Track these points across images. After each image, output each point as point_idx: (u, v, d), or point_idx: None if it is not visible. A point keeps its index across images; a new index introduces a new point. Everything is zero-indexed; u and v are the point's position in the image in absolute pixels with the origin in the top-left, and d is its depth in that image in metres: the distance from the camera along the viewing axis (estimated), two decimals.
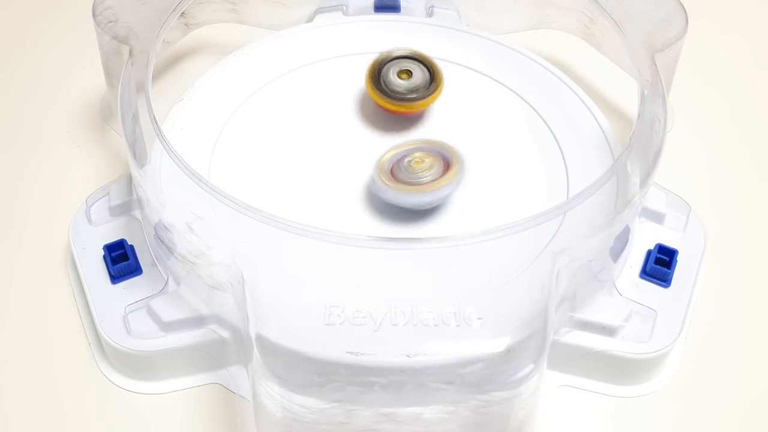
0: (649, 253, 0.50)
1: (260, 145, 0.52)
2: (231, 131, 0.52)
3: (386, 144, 0.52)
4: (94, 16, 0.52)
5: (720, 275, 0.52)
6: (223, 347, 0.46)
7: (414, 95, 0.52)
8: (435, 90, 0.52)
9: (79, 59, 0.62)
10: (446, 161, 0.48)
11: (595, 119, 0.54)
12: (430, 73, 0.53)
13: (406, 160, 0.48)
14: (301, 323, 0.41)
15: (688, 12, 0.52)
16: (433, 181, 0.48)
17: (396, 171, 0.48)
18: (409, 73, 0.52)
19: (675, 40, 0.51)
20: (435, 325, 0.41)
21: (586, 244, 0.44)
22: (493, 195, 0.50)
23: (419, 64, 0.53)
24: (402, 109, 0.52)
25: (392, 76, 0.52)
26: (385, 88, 0.52)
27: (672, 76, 0.53)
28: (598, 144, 0.52)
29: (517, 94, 0.55)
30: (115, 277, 0.48)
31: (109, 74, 0.54)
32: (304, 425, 0.41)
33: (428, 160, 0.48)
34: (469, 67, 0.57)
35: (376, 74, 0.52)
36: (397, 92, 0.52)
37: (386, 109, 0.52)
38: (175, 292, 0.47)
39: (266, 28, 0.61)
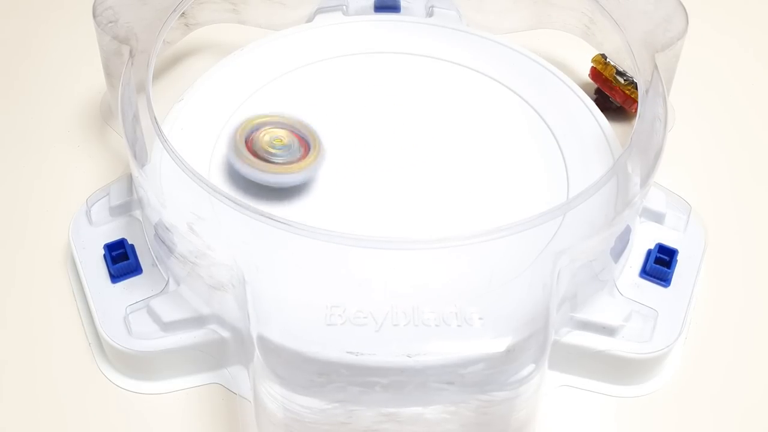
0: (649, 252, 0.50)
1: None
2: (231, 131, 0.52)
3: (386, 144, 0.52)
4: (94, 16, 0.52)
5: (720, 275, 0.52)
6: (224, 347, 0.46)
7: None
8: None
9: (80, 59, 0.62)
10: (306, 144, 0.49)
11: (595, 119, 0.54)
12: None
13: (268, 137, 0.49)
14: (302, 323, 0.41)
15: (688, 12, 0.52)
16: (286, 164, 0.48)
17: (253, 142, 0.49)
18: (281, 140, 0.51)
19: (675, 40, 0.51)
20: (436, 325, 0.41)
21: (587, 244, 0.44)
22: (493, 195, 0.50)
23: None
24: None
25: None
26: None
27: (672, 75, 0.53)
28: (598, 144, 0.52)
29: (517, 94, 0.55)
30: (116, 277, 0.48)
31: (110, 74, 0.54)
32: (306, 425, 0.41)
33: (287, 141, 0.49)
34: (469, 67, 0.57)
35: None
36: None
37: None
38: (176, 292, 0.47)
39: (266, 28, 0.61)
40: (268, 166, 0.49)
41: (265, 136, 0.49)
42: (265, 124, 0.50)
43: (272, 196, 0.49)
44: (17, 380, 0.47)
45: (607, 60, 0.57)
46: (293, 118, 0.51)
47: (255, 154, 0.49)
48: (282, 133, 0.50)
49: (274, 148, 0.49)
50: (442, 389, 0.40)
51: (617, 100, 0.57)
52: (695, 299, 0.49)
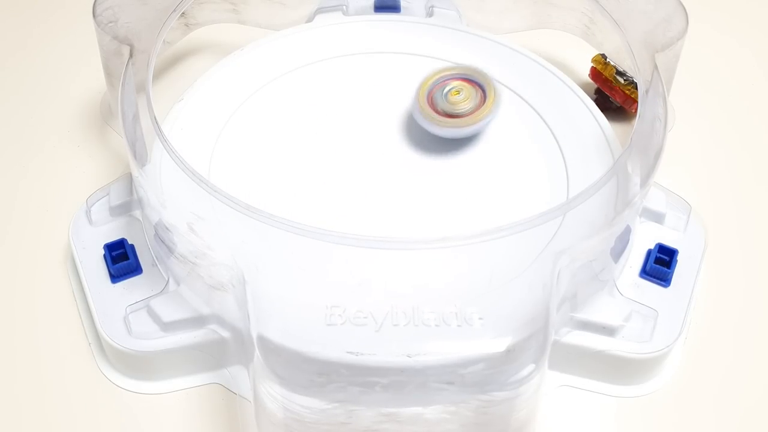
0: (649, 252, 0.50)
1: (260, 145, 0.52)
2: (231, 131, 0.52)
3: (386, 144, 0.52)
4: (94, 16, 0.52)
5: (720, 275, 0.52)
6: (224, 347, 0.46)
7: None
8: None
9: (79, 59, 0.62)
10: (482, 90, 0.51)
11: (595, 119, 0.54)
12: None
13: (445, 90, 0.51)
14: (302, 323, 0.41)
15: (688, 12, 0.52)
16: (471, 113, 0.51)
17: (434, 100, 0.51)
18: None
19: (675, 40, 0.51)
20: (436, 325, 0.41)
21: (587, 244, 0.44)
22: (493, 195, 0.50)
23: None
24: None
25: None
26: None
27: (672, 75, 0.53)
28: (598, 144, 0.52)
29: (517, 94, 0.55)
30: (116, 277, 0.48)
31: (110, 74, 0.54)
32: (306, 425, 0.41)
33: (465, 91, 0.51)
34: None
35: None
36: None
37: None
38: (176, 292, 0.47)
39: (266, 28, 0.61)
40: (456, 120, 0.51)
41: (445, 92, 0.51)
42: (440, 79, 0.52)
43: (272, 195, 0.49)
44: (17, 380, 0.47)
45: (607, 60, 0.57)
46: (462, 65, 0.53)
47: (441, 112, 0.51)
48: (457, 84, 0.52)
49: (456, 101, 0.51)
50: (442, 389, 0.40)
51: (617, 100, 0.57)
52: (695, 299, 0.49)
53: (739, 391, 0.48)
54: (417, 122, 0.52)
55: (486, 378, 0.40)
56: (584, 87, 0.56)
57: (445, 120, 0.51)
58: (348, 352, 0.40)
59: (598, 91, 0.58)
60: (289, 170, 0.51)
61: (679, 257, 0.50)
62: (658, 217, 0.51)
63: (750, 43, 0.66)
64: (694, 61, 0.58)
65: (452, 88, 0.51)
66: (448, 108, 0.51)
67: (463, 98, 0.51)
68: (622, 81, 0.57)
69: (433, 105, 0.51)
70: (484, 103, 0.51)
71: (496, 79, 0.56)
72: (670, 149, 0.48)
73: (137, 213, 0.51)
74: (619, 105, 0.58)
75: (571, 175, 0.51)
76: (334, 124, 0.53)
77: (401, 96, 0.55)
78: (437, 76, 0.52)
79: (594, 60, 0.58)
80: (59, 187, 0.55)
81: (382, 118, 0.54)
